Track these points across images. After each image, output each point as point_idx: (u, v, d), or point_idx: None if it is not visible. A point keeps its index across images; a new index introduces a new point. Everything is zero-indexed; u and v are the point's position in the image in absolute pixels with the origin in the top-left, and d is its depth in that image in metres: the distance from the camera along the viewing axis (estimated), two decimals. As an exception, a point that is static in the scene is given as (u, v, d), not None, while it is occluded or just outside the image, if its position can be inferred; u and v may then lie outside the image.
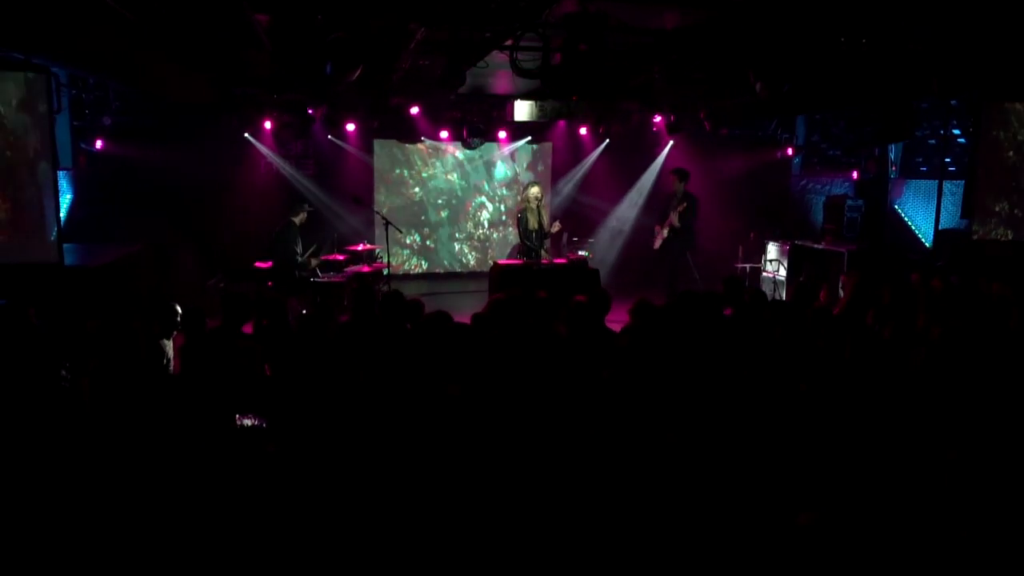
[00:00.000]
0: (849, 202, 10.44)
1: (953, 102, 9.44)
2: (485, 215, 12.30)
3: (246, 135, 10.05)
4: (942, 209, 9.74)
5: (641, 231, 12.02)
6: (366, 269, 7.79)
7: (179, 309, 5.31)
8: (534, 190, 7.86)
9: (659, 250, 9.31)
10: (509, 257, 7.94)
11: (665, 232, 9.09)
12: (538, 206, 7.91)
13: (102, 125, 8.85)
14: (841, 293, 6.62)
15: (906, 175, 10.27)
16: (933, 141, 9.85)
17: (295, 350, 4.41)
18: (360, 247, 8.27)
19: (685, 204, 8.86)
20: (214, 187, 10.02)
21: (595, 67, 4.44)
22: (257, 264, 8.03)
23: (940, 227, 9.41)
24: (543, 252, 8.00)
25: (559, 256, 8.30)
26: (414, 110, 9.62)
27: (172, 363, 5.37)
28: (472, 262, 12.21)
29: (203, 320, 5.44)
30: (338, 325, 4.93)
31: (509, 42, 5.07)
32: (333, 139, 10.58)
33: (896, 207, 10.34)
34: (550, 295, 5.90)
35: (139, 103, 9.04)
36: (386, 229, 7.24)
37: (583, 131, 11.41)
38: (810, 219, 12.01)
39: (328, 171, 11.01)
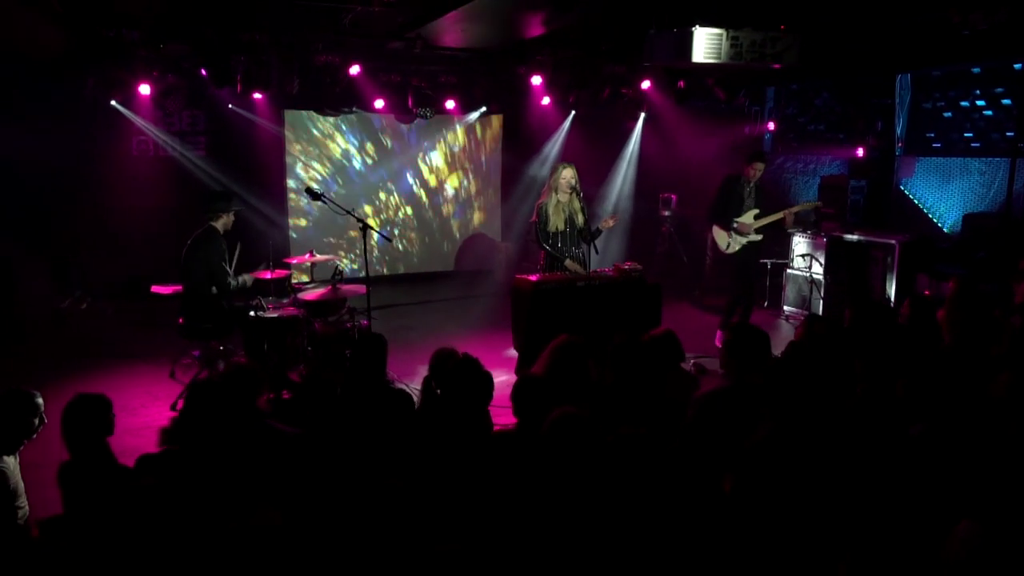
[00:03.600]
0: (852, 183, 9.27)
1: (976, 69, 8.33)
2: (428, 204, 10.39)
3: (113, 103, 7.32)
4: (961, 192, 8.70)
5: (630, 220, 10.33)
6: (322, 293, 5.36)
7: (40, 401, 3.16)
8: (567, 173, 5.43)
9: (736, 257, 6.94)
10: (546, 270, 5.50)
11: (743, 240, 6.80)
12: (572, 196, 5.50)
13: None
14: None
15: (914, 152, 9.14)
16: (949, 114, 8.73)
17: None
18: (306, 258, 5.83)
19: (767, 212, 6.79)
20: (68, 176, 7.79)
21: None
22: (155, 289, 5.46)
23: (970, 211, 8.33)
24: (581, 261, 5.68)
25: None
26: (354, 70, 7.25)
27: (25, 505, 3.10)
28: (430, 260, 10.48)
29: (107, 419, 3.18)
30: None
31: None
32: (236, 109, 7.99)
33: (903, 188, 9.21)
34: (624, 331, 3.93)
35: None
36: (363, 234, 4.93)
37: (546, 101, 9.44)
38: (789, 201, 10.77)
39: (226, 150, 8.45)
